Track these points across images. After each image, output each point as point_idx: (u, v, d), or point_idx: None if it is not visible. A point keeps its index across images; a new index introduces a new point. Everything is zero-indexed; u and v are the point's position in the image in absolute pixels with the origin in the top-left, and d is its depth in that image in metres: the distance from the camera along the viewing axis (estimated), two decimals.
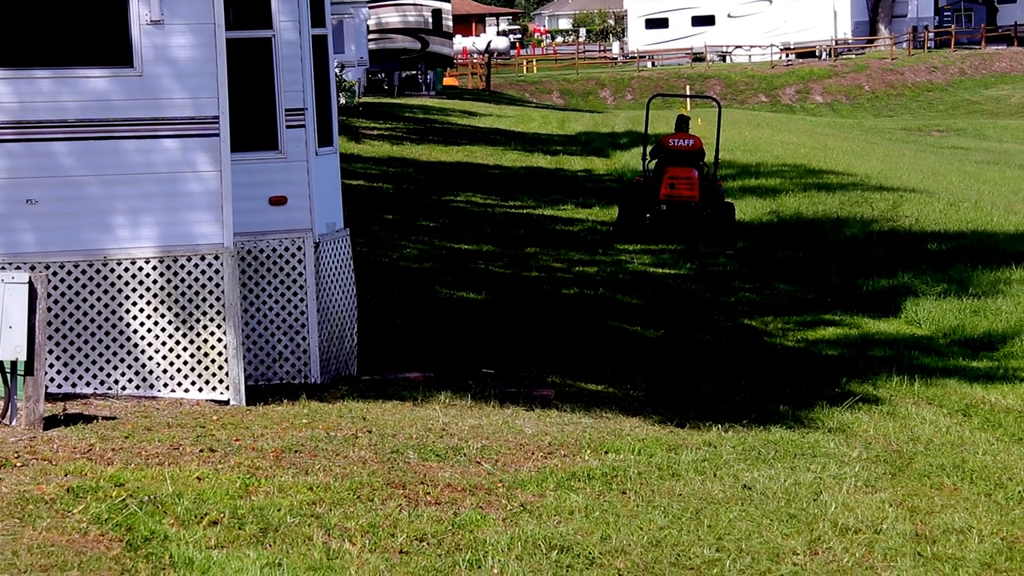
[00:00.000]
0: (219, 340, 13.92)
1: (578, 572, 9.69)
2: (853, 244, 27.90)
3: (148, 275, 13.75)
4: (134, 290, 13.75)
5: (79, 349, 13.69)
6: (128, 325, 13.75)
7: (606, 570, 9.73)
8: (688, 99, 65.36)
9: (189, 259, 13.84)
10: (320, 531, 9.87)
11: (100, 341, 13.72)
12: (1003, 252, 26.44)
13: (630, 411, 14.97)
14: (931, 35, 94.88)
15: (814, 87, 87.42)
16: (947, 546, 10.57)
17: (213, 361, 13.92)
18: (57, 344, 13.62)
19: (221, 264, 13.90)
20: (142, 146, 13.68)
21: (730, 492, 11.62)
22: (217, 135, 13.78)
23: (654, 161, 29.48)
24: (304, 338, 15.42)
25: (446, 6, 70.66)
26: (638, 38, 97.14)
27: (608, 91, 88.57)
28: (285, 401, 14.10)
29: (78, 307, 13.66)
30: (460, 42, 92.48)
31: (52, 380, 13.56)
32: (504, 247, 27.33)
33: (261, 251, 15.31)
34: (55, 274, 13.54)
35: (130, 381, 13.79)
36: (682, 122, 29.89)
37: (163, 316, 13.82)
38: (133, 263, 13.72)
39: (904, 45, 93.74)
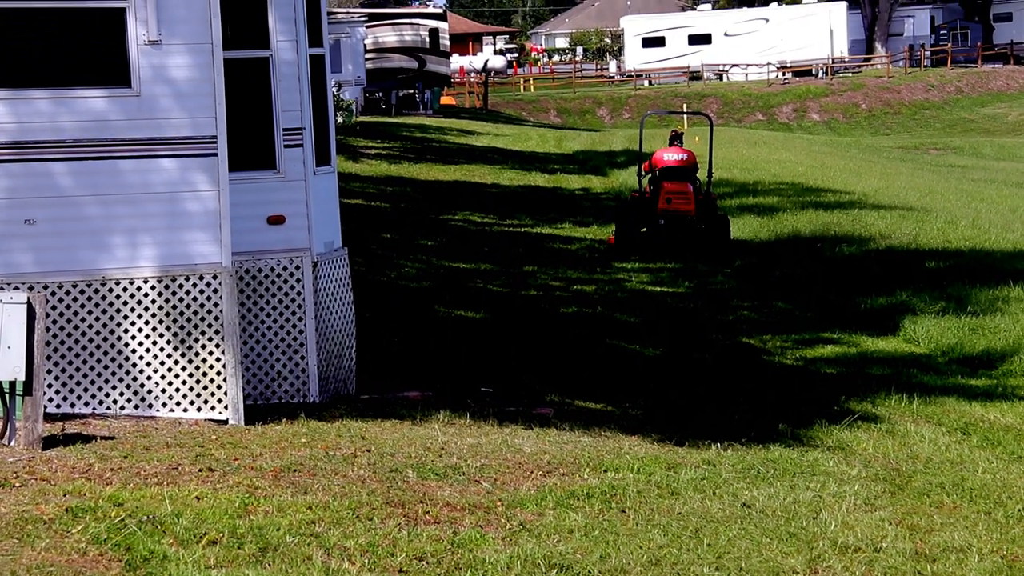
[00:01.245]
0: (217, 360, 13.91)
1: None
2: (851, 262, 27.92)
3: (146, 295, 13.75)
4: (132, 310, 13.74)
5: (77, 369, 13.68)
6: (127, 345, 13.75)
7: None
8: (684, 117, 65.46)
9: (187, 279, 13.84)
10: (319, 550, 9.85)
11: (99, 361, 13.71)
12: (1001, 270, 26.46)
13: (629, 430, 14.96)
14: (927, 53, 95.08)
15: (811, 105, 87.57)
16: (947, 565, 10.55)
17: (212, 380, 13.92)
18: (56, 364, 13.61)
19: (219, 284, 13.90)
20: (140, 166, 13.68)
21: (729, 510, 11.60)
22: (215, 155, 13.79)
23: (647, 176, 29.80)
24: (303, 357, 15.41)
25: (443, 25, 70.78)
26: (635, 57, 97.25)
27: (605, 110, 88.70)
28: (284, 420, 14.09)
29: (76, 327, 13.66)
30: (457, 61, 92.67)
31: (50, 400, 13.55)
32: (502, 266, 27.34)
33: (259, 271, 15.31)
34: (53, 294, 13.54)
35: (128, 401, 13.79)
36: (675, 137, 30.34)
37: (161, 336, 13.81)
38: (131, 283, 13.72)
39: (901, 63, 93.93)
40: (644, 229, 29.17)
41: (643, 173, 30.37)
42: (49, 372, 13.49)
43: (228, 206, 13.84)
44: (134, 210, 13.69)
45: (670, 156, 29.55)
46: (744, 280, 27.06)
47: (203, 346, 13.90)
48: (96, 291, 13.68)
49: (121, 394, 13.78)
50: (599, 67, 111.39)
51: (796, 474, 13.02)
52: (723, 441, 14.31)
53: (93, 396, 13.73)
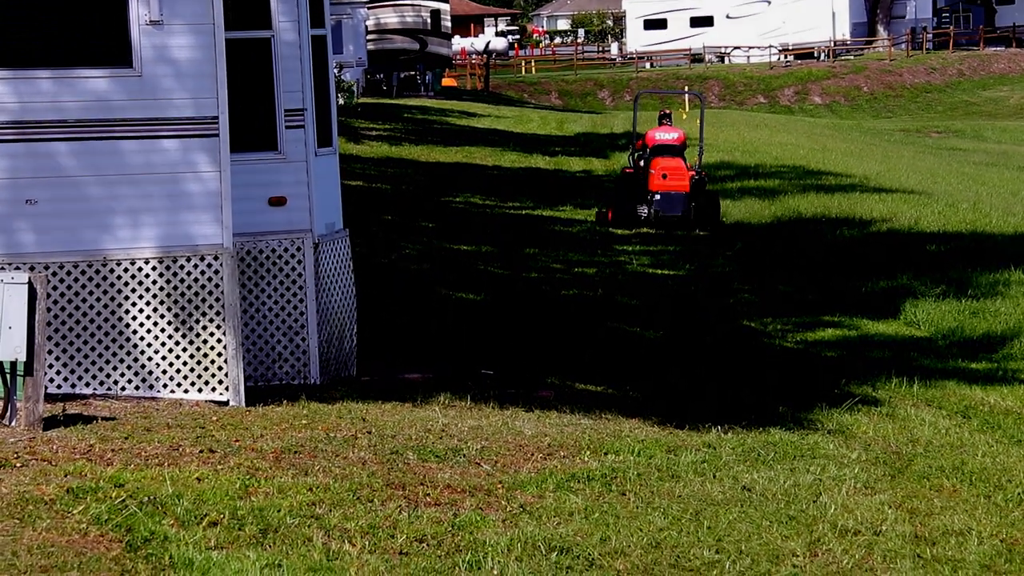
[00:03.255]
0: (219, 341, 13.92)
1: (578, 573, 9.68)
2: (852, 245, 27.91)
3: (148, 275, 13.75)
4: (133, 290, 13.74)
5: (79, 350, 13.68)
6: (128, 326, 13.75)
7: (606, 571, 9.73)
8: (686, 98, 65.39)
9: (189, 259, 13.84)
10: (320, 532, 9.87)
11: (100, 342, 13.71)
12: (1002, 253, 26.43)
13: (629, 412, 14.96)
14: (929, 36, 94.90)
15: (812, 88, 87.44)
16: (946, 548, 10.57)
17: (212, 362, 13.92)
18: (57, 344, 13.61)
19: (221, 265, 13.90)
20: (142, 146, 13.68)
21: (729, 493, 11.62)
22: (217, 135, 13.78)
23: (639, 154, 31.07)
24: (304, 339, 15.42)
25: (444, 7, 70.66)
26: (637, 39, 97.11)
27: (607, 92, 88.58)
28: (284, 402, 14.10)
29: (78, 307, 13.66)
30: (459, 43, 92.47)
31: (52, 380, 13.55)
32: (503, 248, 27.33)
33: (260, 252, 15.30)
34: (55, 274, 13.54)
35: (129, 382, 13.79)
36: (664, 116, 31.66)
37: (163, 316, 13.82)
38: (133, 263, 13.72)
39: (903, 46, 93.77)
40: (641, 206, 30.06)
41: (635, 150, 31.32)
42: (51, 352, 13.49)
43: (229, 187, 13.84)
44: (136, 190, 13.69)
45: (662, 135, 30.75)
46: (745, 263, 27.05)
47: (204, 327, 13.90)
48: (97, 271, 13.67)
49: (122, 375, 13.78)
50: (601, 49, 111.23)
51: (796, 457, 13.03)
52: (723, 424, 14.32)
53: (94, 377, 13.73)
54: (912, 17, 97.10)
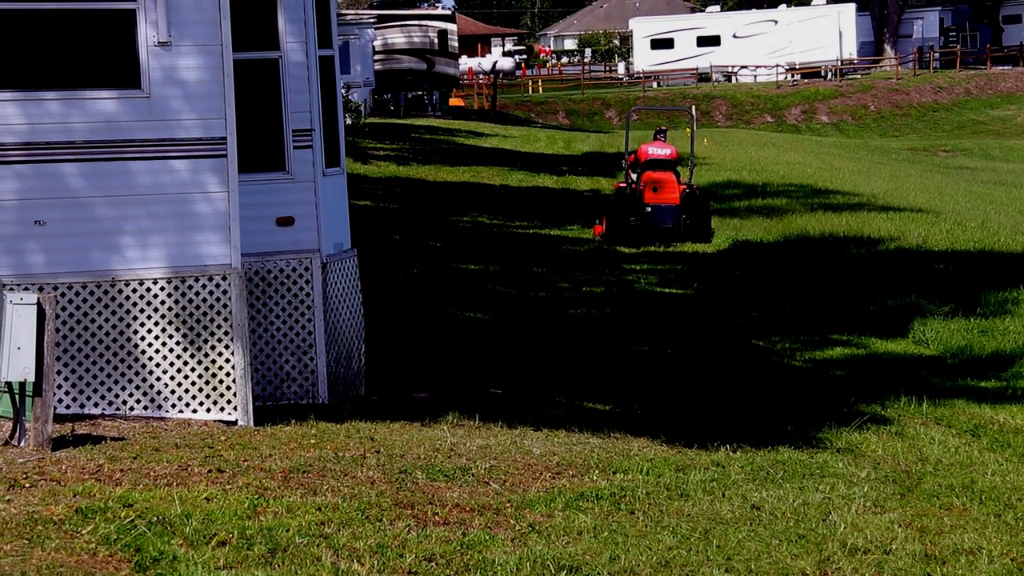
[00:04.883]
0: (227, 360, 13.93)
1: None
2: (860, 264, 27.89)
3: (156, 296, 13.77)
4: (142, 311, 13.76)
5: (87, 370, 13.70)
6: (136, 346, 13.76)
7: None
8: (693, 118, 65.38)
9: (197, 280, 13.86)
10: (329, 551, 9.86)
11: (108, 362, 13.73)
12: (1010, 272, 26.40)
13: (638, 431, 14.95)
14: (936, 55, 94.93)
15: (820, 107, 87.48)
16: (956, 567, 10.54)
17: (221, 382, 13.93)
18: (66, 365, 13.63)
19: (229, 285, 13.91)
20: (150, 167, 13.70)
21: (739, 512, 11.60)
22: (225, 156, 13.81)
23: (631, 168, 32.11)
24: (312, 358, 15.42)
25: (452, 27, 70.79)
26: (643, 58, 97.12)
27: (614, 111, 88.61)
28: (293, 421, 14.10)
29: (87, 328, 13.68)
30: (466, 63, 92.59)
31: (60, 401, 13.57)
32: (511, 267, 27.34)
33: (269, 272, 15.32)
34: (63, 295, 13.56)
35: (138, 402, 13.80)
36: (659, 132, 32.73)
37: (171, 336, 13.83)
38: (141, 284, 13.74)
39: (910, 65, 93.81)
40: (633, 219, 30.98)
41: (628, 165, 32.31)
42: (59, 373, 13.51)
43: (238, 207, 13.86)
44: (144, 211, 13.72)
45: (655, 150, 31.76)
46: (753, 281, 27.04)
47: (213, 347, 13.92)
48: (106, 292, 13.70)
49: (131, 395, 13.79)
50: (608, 69, 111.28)
51: (805, 476, 13.01)
52: (732, 443, 14.30)
53: (103, 397, 13.74)
54: (919, 36, 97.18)
